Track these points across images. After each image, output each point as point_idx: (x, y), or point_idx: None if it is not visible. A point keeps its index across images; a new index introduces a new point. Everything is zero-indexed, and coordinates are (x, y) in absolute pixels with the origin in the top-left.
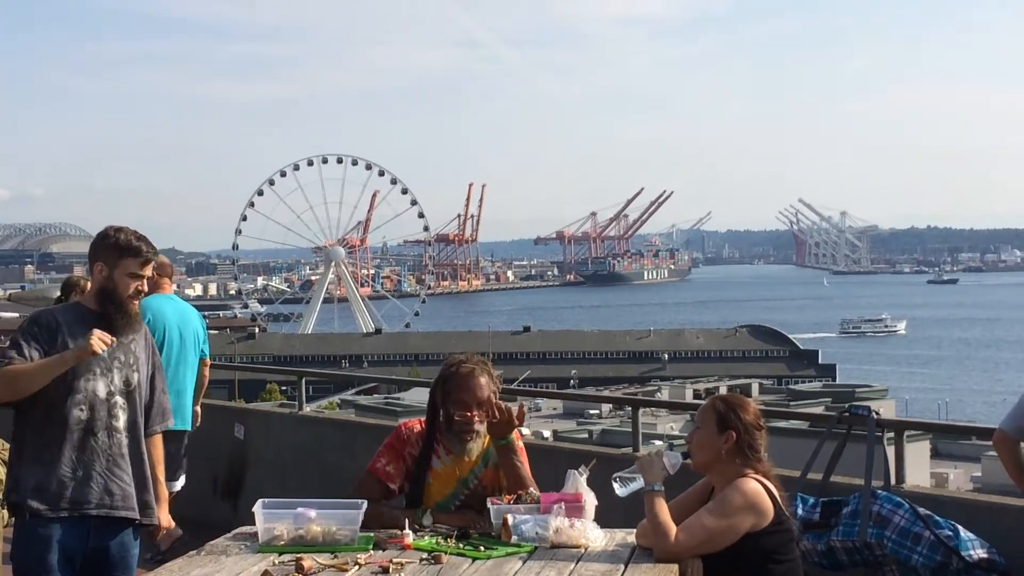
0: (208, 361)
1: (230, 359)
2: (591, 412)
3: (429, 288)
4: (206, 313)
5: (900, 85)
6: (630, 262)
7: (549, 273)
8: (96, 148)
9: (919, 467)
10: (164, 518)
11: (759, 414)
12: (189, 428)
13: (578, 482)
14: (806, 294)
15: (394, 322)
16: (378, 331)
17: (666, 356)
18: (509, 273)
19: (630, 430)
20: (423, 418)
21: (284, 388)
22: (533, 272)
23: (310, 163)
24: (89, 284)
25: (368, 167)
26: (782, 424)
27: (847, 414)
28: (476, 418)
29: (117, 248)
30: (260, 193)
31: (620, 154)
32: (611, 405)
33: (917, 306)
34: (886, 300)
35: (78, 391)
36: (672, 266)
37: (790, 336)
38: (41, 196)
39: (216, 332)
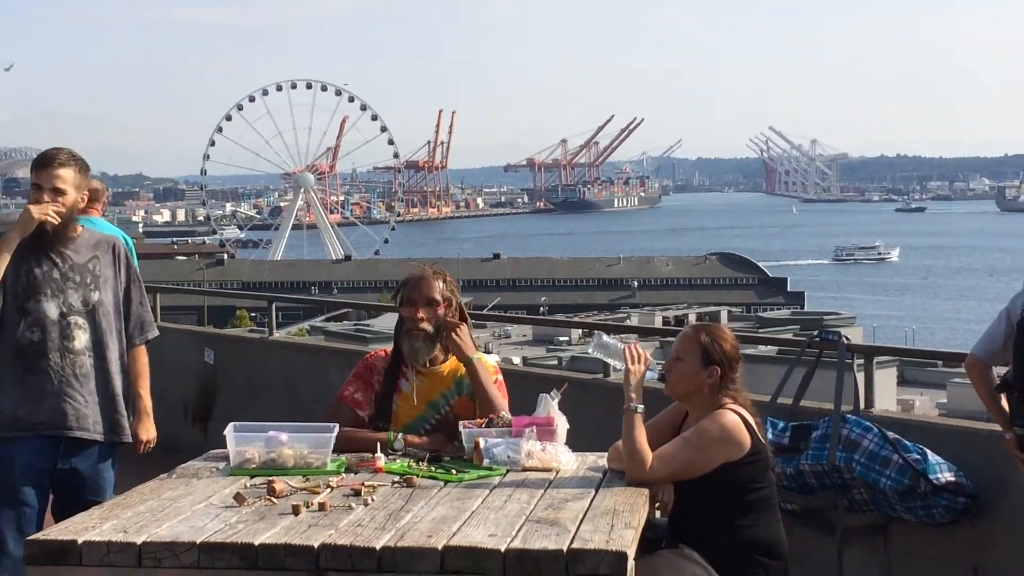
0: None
1: (198, 285)
2: (560, 339)
3: (399, 215)
4: (174, 240)
5: (871, 14)
6: (600, 189)
7: (519, 200)
8: (62, 72)
9: (886, 393)
10: (143, 431)
11: (737, 344)
12: None
13: (550, 406)
14: (775, 222)
15: (364, 249)
16: (348, 258)
17: (635, 283)
18: (479, 200)
19: (600, 357)
20: (389, 348)
21: (254, 314)
22: (503, 199)
23: (279, 88)
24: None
25: (338, 93)
26: (750, 351)
27: (818, 339)
28: (422, 316)
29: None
30: (229, 118)
31: (591, 81)
32: (581, 332)
33: (885, 234)
34: (854, 228)
35: (29, 313)
36: (642, 193)
37: (760, 264)
38: (6, 120)
39: (184, 258)
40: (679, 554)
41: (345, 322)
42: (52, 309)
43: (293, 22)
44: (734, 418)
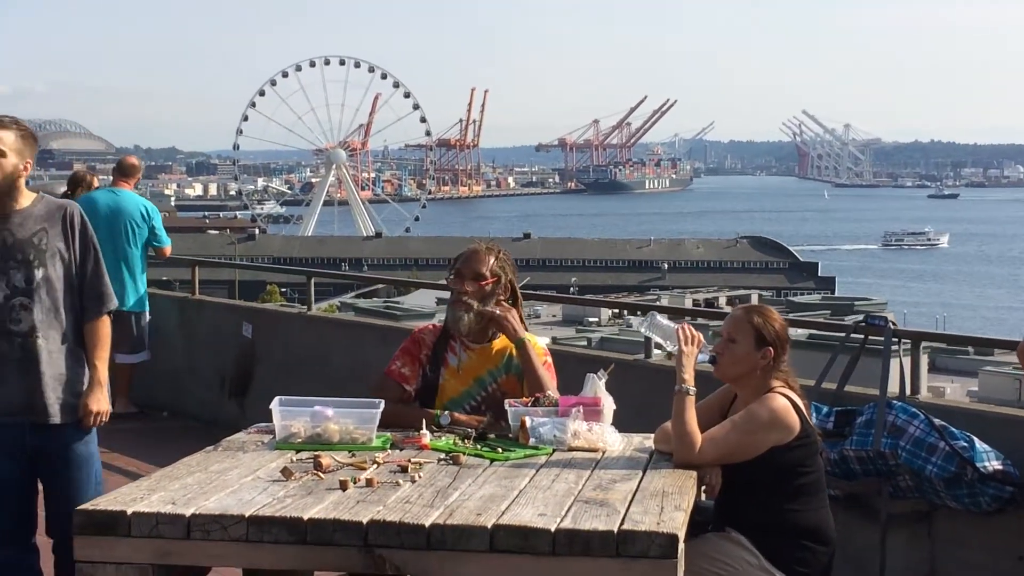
0: (164, 250)
1: (231, 259)
2: (590, 320)
3: (430, 193)
4: (206, 214)
5: None
6: (632, 171)
7: (550, 180)
8: (97, 46)
9: (918, 380)
10: (93, 402)
11: (786, 325)
12: (135, 309)
13: (597, 386)
14: (807, 206)
15: (394, 226)
16: (378, 235)
17: (666, 265)
18: (510, 179)
19: (631, 338)
20: (437, 323)
21: (284, 290)
22: (534, 179)
23: (312, 64)
24: (96, 180)
25: (371, 70)
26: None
27: (863, 324)
28: (467, 289)
29: None
30: (262, 93)
31: (624, 62)
32: (611, 313)
33: (917, 221)
34: (886, 214)
35: None
36: (673, 175)
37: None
38: (42, 92)
39: (216, 232)
40: (726, 537)
41: (375, 299)
42: None
43: None
44: (784, 402)
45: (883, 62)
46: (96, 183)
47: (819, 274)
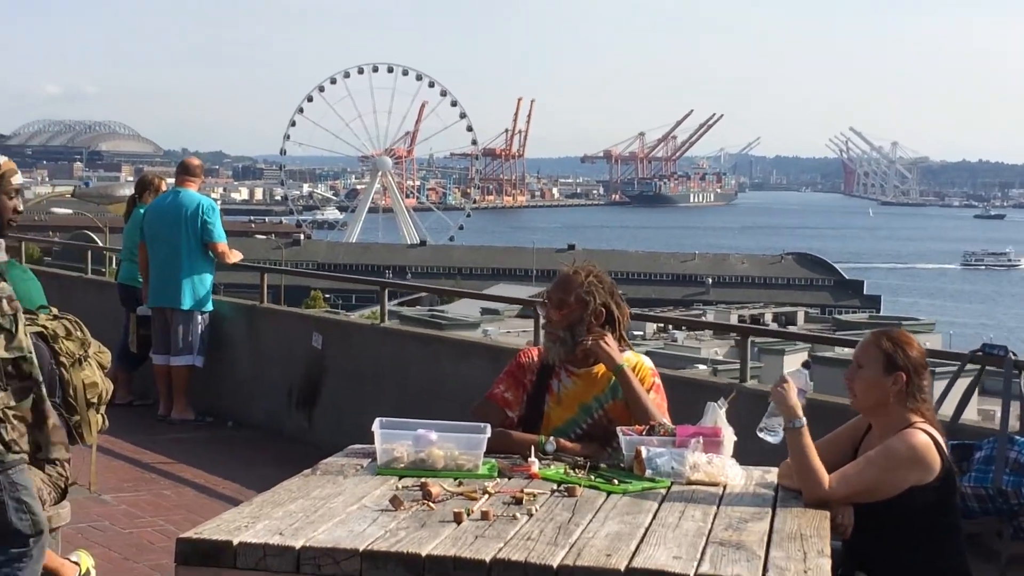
0: (214, 245)
1: (276, 264)
2: (635, 333)
3: (474, 202)
4: (251, 218)
5: (959, 15)
6: (676, 184)
7: (594, 192)
8: (148, 48)
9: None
10: None
11: (924, 352)
12: (191, 309)
13: (717, 415)
14: (851, 223)
15: (438, 234)
16: (423, 243)
17: (710, 280)
18: (554, 190)
19: (675, 353)
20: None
21: (328, 296)
22: (579, 190)
23: (360, 71)
24: (163, 183)
25: (419, 78)
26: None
27: (980, 353)
28: (551, 316)
29: None
30: (309, 99)
31: (670, 75)
32: (656, 327)
33: (961, 240)
34: (930, 233)
35: None
36: (718, 190)
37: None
38: (93, 93)
39: (263, 237)
40: None
41: (419, 307)
42: None
43: (377, 5)
44: (925, 439)
45: (932, 81)
46: (164, 187)
47: (864, 292)
